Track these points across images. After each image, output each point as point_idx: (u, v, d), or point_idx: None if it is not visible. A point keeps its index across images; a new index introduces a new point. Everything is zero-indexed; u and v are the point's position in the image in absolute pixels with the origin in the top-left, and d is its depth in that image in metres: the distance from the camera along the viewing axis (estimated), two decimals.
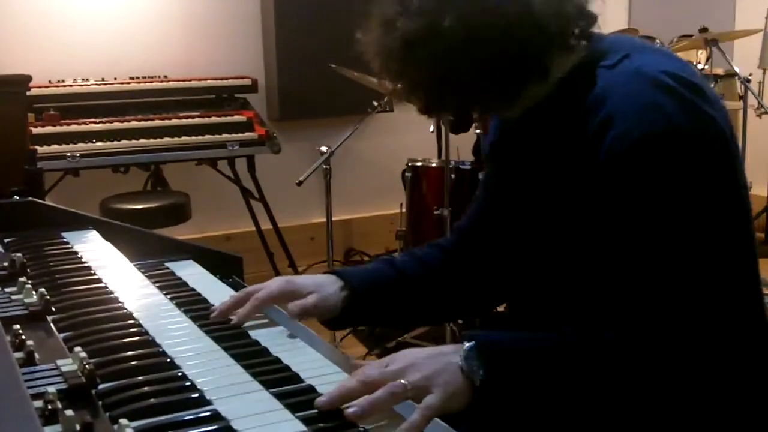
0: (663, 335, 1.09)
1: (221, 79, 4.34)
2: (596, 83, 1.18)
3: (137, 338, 1.22)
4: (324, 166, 3.42)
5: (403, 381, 1.02)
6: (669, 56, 1.22)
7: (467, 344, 1.07)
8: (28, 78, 3.39)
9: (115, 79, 4.17)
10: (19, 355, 1.11)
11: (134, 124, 3.97)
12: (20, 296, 1.36)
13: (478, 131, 3.44)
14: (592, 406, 1.11)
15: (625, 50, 1.20)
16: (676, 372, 1.09)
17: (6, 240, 1.75)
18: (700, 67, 4.22)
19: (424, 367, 1.04)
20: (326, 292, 1.37)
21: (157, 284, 1.52)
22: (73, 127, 3.85)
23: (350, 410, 0.98)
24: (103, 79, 4.14)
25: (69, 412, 0.91)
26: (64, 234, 1.81)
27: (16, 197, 1.91)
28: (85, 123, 3.89)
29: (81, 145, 3.79)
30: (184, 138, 3.99)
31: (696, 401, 1.12)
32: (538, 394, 1.09)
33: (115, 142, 3.87)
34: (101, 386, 1.04)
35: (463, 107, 1.29)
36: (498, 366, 1.06)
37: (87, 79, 4.10)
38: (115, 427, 0.92)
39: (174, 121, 4.04)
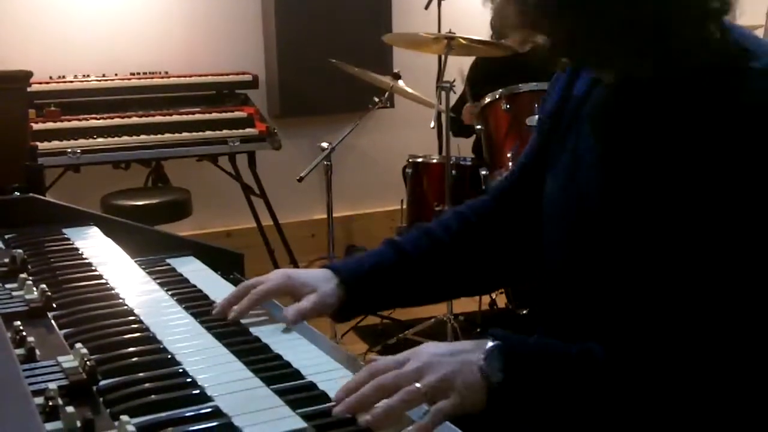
0: (710, 361, 1.04)
1: (222, 75, 4.34)
2: (747, 85, 1.07)
3: (138, 334, 1.22)
4: (325, 162, 3.42)
5: (418, 385, 1.00)
6: None
7: (491, 343, 1.05)
8: (29, 74, 3.38)
9: (116, 75, 4.16)
10: (20, 351, 1.11)
11: (135, 120, 3.97)
12: (21, 292, 1.36)
13: (478, 127, 3.43)
14: (607, 423, 1.07)
15: None
16: (709, 401, 1.05)
17: (7, 236, 1.75)
18: None
19: (442, 366, 1.02)
20: (324, 290, 1.36)
21: (158, 280, 1.52)
22: (74, 123, 3.86)
23: (364, 419, 0.97)
24: (103, 75, 4.13)
25: (70, 409, 0.91)
26: (64, 230, 1.81)
27: (17, 193, 1.91)
28: (85, 119, 3.89)
29: (82, 141, 3.79)
30: (184, 134, 3.99)
31: (730, 425, 1.07)
32: (554, 404, 1.06)
33: (116, 138, 3.87)
34: (102, 382, 1.04)
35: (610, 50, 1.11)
36: (518, 370, 1.04)
37: (88, 75, 4.10)
38: (116, 423, 0.92)
39: (175, 117, 4.04)
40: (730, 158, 1.05)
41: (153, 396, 1.00)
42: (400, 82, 3.68)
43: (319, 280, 1.38)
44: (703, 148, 1.07)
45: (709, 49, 1.09)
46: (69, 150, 3.72)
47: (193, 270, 1.63)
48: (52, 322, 1.27)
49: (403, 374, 1.02)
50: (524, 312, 3.47)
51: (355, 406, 0.99)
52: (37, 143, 3.64)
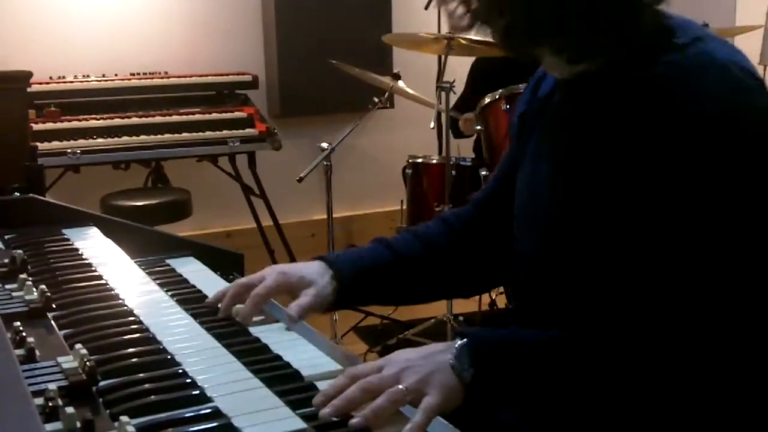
0: (676, 342, 1.06)
1: (222, 75, 4.34)
2: (662, 60, 1.12)
3: (138, 335, 1.22)
4: (325, 163, 3.42)
5: (401, 386, 1.02)
6: (736, 49, 1.17)
7: (458, 342, 1.08)
8: (29, 74, 3.38)
9: (116, 75, 4.16)
10: (20, 352, 1.11)
11: (135, 120, 3.97)
12: (21, 293, 1.36)
13: (478, 127, 3.43)
14: (582, 405, 1.09)
15: (696, 33, 1.15)
16: (687, 377, 1.07)
17: (6, 236, 1.75)
18: None
19: (418, 368, 1.05)
20: (321, 284, 1.36)
21: (158, 281, 1.52)
22: (74, 124, 3.85)
23: (354, 420, 0.97)
24: (103, 76, 4.13)
25: (70, 410, 0.91)
26: (64, 231, 1.81)
27: (17, 194, 1.91)
28: (85, 119, 3.89)
29: (81, 142, 3.79)
30: (184, 134, 3.99)
31: (696, 408, 1.10)
32: (527, 392, 1.09)
33: (116, 139, 3.86)
34: (102, 383, 1.04)
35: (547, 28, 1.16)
36: (486, 363, 1.06)
37: (88, 76, 4.10)
38: (116, 424, 0.92)
39: (175, 118, 4.04)
40: (664, 146, 1.08)
41: (153, 397, 1.00)
42: (400, 83, 3.68)
43: (314, 273, 1.38)
44: (638, 135, 1.11)
45: (641, 31, 1.15)
46: (69, 150, 3.72)
47: (193, 270, 1.63)
48: (52, 322, 1.27)
49: (384, 377, 1.04)
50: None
51: (342, 407, 0.99)
52: (37, 143, 3.64)
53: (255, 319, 1.34)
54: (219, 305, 1.36)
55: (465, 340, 1.07)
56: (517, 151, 1.41)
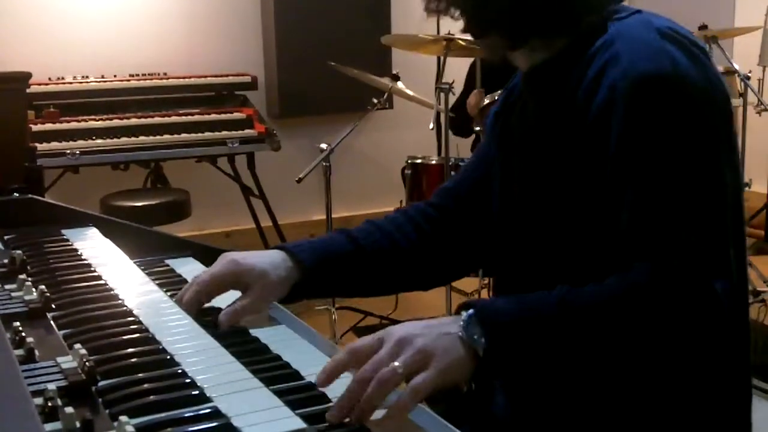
0: (661, 277, 1.08)
1: (221, 76, 4.34)
2: (604, 33, 1.18)
3: (137, 335, 1.22)
4: (324, 163, 3.42)
5: (395, 364, 0.98)
6: (676, 23, 1.20)
7: (465, 313, 1.05)
8: (28, 75, 3.39)
9: (115, 76, 4.17)
10: (19, 352, 1.11)
11: (134, 121, 3.97)
12: (20, 293, 1.36)
13: (477, 129, 3.44)
14: (595, 365, 1.09)
15: (637, 9, 1.21)
16: (677, 315, 1.08)
17: (6, 237, 1.75)
18: None
19: (418, 339, 1.00)
20: (271, 279, 1.31)
21: (157, 281, 1.52)
22: (73, 124, 3.86)
23: (349, 420, 0.96)
24: (102, 77, 4.14)
25: (69, 409, 0.91)
26: (63, 231, 1.81)
27: (16, 194, 1.90)
28: (84, 120, 3.90)
29: (81, 142, 3.79)
30: (183, 135, 3.99)
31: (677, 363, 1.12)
32: (540, 358, 1.07)
33: (115, 139, 3.87)
34: (101, 383, 1.03)
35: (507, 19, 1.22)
36: (500, 332, 1.03)
37: (87, 77, 4.11)
38: (115, 424, 0.92)
39: (174, 119, 4.05)
40: (590, 91, 1.15)
41: (152, 396, 1.00)
42: (399, 84, 3.68)
43: (268, 263, 1.33)
44: (575, 93, 1.17)
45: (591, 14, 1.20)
46: (68, 151, 3.72)
47: (193, 271, 1.63)
48: (52, 322, 1.27)
49: (380, 357, 1.00)
50: None
51: (347, 406, 0.98)
52: (36, 144, 3.65)
53: (255, 319, 1.34)
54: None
55: (471, 310, 1.04)
56: (488, 148, 1.44)
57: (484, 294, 3.79)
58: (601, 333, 1.08)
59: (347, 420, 0.96)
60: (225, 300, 1.35)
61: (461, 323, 1.04)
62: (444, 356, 1.00)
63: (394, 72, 3.77)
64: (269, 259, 1.33)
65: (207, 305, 1.37)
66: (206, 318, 1.32)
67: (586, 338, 1.07)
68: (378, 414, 0.97)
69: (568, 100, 1.19)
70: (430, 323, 1.05)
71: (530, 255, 1.30)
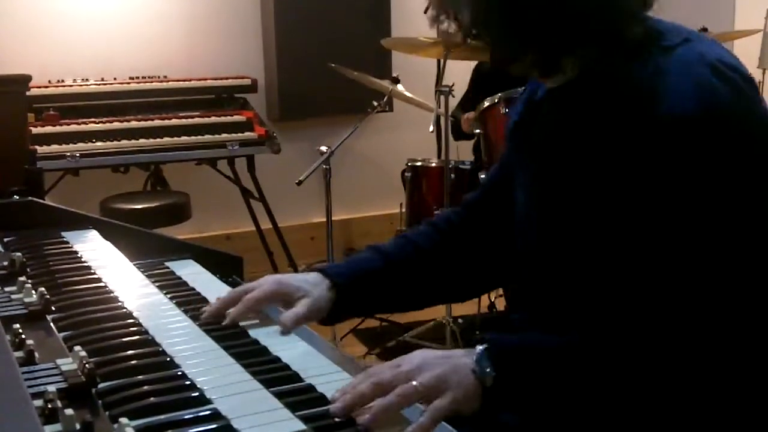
0: (680, 337, 1.07)
1: (221, 79, 4.34)
2: (650, 62, 1.13)
3: (137, 337, 1.22)
4: (324, 166, 3.42)
5: (414, 383, 1.01)
6: (726, 50, 1.17)
7: (479, 347, 1.07)
8: (28, 78, 3.38)
9: (115, 79, 4.17)
10: (19, 354, 1.11)
11: (134, 124, 3.97)
12: (20, 296, 1.36)
13: (477, 131, 3.43)
14: (602, 407, 1.10)
15: (685, 34, 1.16)
16: (690, 375, 1.08)
17: (6, 239, 1.75)
18: None
19: (436, 368, 1.04)
20: (316, 295, 1.36)
21: (157, 284, 1.52)
22: (73, 127, 3.86)
23: (363, 418, 0.97)
24: (102, 79, 4.14)
25: (69, 411, 0.91)
26: (63, 233, 1.81)
27: (16, 197, 1.91)
28: (84, 123, 3.90)
29: (81, 145, 3.79)
30: (183, 138, 3.99)
31: (707, 405, 1.11)
32: (547, 396, 1.09)
33: (115, 142, 3.87)
34: (101, 385, 1.04)
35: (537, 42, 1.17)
36: (508, 367, 1.06)
37: (87, 79, 4.11)
38: (115, 426, 0.92)
39: (174, 121, 4.05)
40: (634, 126, 1.11)
41: (152, 398, 1.00)
42: (399, 86, 3.68)
43: (310, 284, 1.38)
44: (621, 139, 1.13)
45: (627, 38, 1.15)
46: (68, 154, 3.72)
47: (192, 273, 1.63)
48: (51, 325, 1.27)
49: (399, 373, 1.04)
50: None
51: (352, 404, 0.99)
52: (36, 147, 3.64)
53: (254, 321, 1.34)
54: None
55: (485, 345, 1.07)
56: (509, 159, 1.43)
57: (484, 299, 3.78)
58: (604, 382, 1.09)
59: (365, 417, 0.97)
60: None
61: (474, 357, 1.06)
62: (458, 386, 1.03)
63: (394, 75, 3.77)
64: (309, 280, 1.39)
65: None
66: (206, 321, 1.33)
67: (592, 382, 1.09)
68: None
69: (604, 121, 1.16)
70: (446, 354, 1.09)
71: (546, 272, 1.29)
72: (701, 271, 1.07)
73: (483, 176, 3.35)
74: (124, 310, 1.35)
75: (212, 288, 1.53)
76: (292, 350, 1.22)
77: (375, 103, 3.61)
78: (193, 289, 1.51)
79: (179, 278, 1.59)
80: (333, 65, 3.78)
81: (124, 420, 0.91)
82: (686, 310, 1.07)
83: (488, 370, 1.05)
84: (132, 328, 1.26)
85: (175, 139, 3.97)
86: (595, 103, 1.17)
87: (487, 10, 1.15)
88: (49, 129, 3.80)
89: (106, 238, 1.78)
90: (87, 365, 1.04)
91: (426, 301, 1.56)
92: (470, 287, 1.58)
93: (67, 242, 1.75)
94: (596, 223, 1.16)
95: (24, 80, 3.35)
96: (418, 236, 1.49)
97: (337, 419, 0.98)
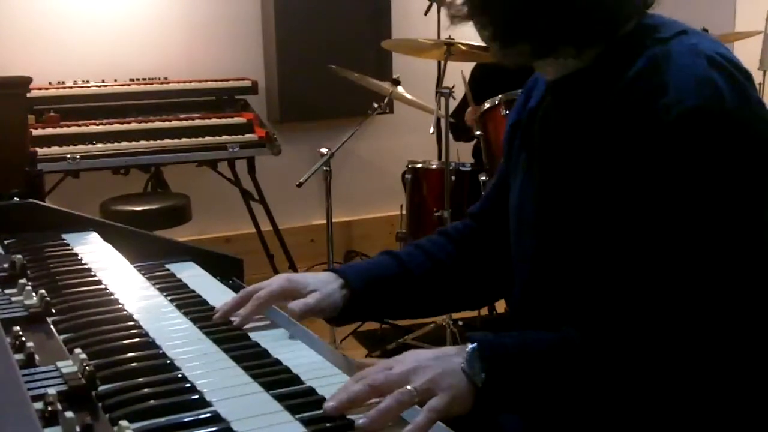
0: (675, 339, 1.07)
1: (221, 80, 4.34)
2: (646, 54, 1.13)
3: (137, 340, 1.22)
4: (324, 168, 3.42)
5: (409, 387, 1.01)
6: (721, 43, 1.17)
7: (470, 346, 1.07)
8: (29, 80, 3.39)
9: (115, 80, 4.17)
10: (19, 356, 1.11)
11: (134, 125, 3.97)
12: (20, 298, 1.36)
13: (478, 133, 3.43)
14: (594, 409, 1.10)
15: (680, 27, 1.16)
16: (684, 377, 1.08)
17: (6, 241, 1.75)
18: None
19: (428, 370, 1.04)
20: (327, 291, 1.36)
21: (158, 286, 1.52)
22: (74, 129, 3.86)
23: (360, 422, 0.97)
24: (103, 81, 4.14)
25: (69, 414, 0.91)
26: (64, 236, 1.81)
27: (16, 199, 1.91)
28: (85, 125, 3.90)
29: (81, 147, 3.79)
30: (184, 140, 3.99)
31: (701, 407, 1.11)
32: (539, 397, 1.09)
33: (116, 144, 3.87)
34: (101, 388, 1.03)
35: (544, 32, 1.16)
36: (499, 368, 1.06)
37: (87, 81, 4.11)
38: (115, 428, 0.92)
39: (174, 123, 4.05)
40: (631, 120, 1.10)
41: (152, 401, 1.00)
42: (400, 88, 3.68)
43: (322, 282, 1.38)
44: (611, 118, 1.13)
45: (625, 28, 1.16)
46: (68, 155, 3.72)
47: (193, 275, 1.64)
48: (52, 327, 1.27)
49: (394, 375, 1.03)
50: None
51: (346, 404, 0.99)
52: (37, 149, 3.65)
53: (256, 324, 1.34)
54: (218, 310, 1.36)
55: (475, 344, 1.07)
56: (508, 161, 1.42)
57: None
58: (597, 381, 1.09)
59: (364, 420, 0.97)
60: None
61: (465, 356, 1.06)
62: (450, 388, 1.03)
63: (394, 76, 3.77)
64: (321, 279, 1.39)
65: (205, 313, 1.37)
66: (207, 323, 1.33)
67: (584, 383, 1.09)
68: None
69: (601, 115, 1.15)
70: (437, 354, 1.08)
71: (545, 271, 1.29)
72: (702, 266, 1.06)
73: (483, 178, 3.35)
74: (125, 312, 1.35)
75: (212, 290, 1.53)
76: (292, 353, 1.22)
77: (375, 105, 3.61)
78: (194, 291, 1.52)
79: (179, 280, 1.59)
80: (333, 67, 3.78)
81: (124, 423, 0.91)
82: (684, 309, 1.07)
83: (479, 370, 1.04)
84: (132, 331, 1.26)
85: (176, 140, 3.97)
86: (595, 96, 1.17)
87: None
88: (49, 131, 3.80)
89: (107, 240, 1.78)
90: (87, 368, 1.04)
91: (438, 309, 1.57)
92: (483, 296, 1.60)
93: (68, 244, 1.75)
94: (596, 215, 1.16)
95: (24, 82, 3.36)
96: (433, 246, 1.50)
97: (335, 422, 0.98)
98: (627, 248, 1.12)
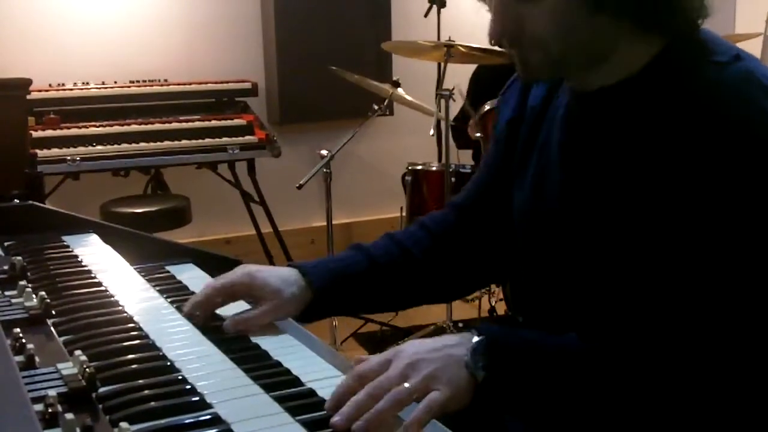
0: (707, 358, 1.05)
1: (222, 82, 4.34)
2: (703, 77, 1.11)
3: (137, 341, 1.22)
4: (324, 170, 3.42)
5: (407, 385, 1.00)
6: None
7: (476, 338, 1.05)
8: (29, 81, 3.39)
9: (116, 82, 4.17)
10: (20, 358, 1.11)
11: (134, 127, 3.97)
12: (20, 300, 1.36)
13: (478, 134, 3.44)
14: (599, 413, 1.08)
15: (735, 51, 1.14)
16: (702, 388, 1.06)
17: (6, 243, 1.75)
18: None
19: (427, 364, 1.02)
20: (285, 297, 1.33)
21: (158, 287, 1.52)
22: (74, 131, 3.86)
23: (357, 424, 0.96)
24: (103, 83, 4.14)
25: (69, 416, 0.91)
26: (64, 237, 1.81)
27: (17, 200, 1.91)
28: (85, 126, 3.90)
29: (81, 149, 3.79)
30: (184, 141, 3.99)
31: (716, 416, 1.08)
32: (541, 399, 1.07)
33: (116, 146, 3.87)
34: (101, 389, 1.03)
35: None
36: (502, 366, 1.04)
37: (87, 83, 4.11)
38: (116, 430, 0.92)
39: (174, 125, 4.05)
40: (692, 154, 1.07)
41: (152, 403, 1.00)
42: (400, 90, 3.68)
43: (282, 281, 1.34)
44: (665, 145, 1.10)
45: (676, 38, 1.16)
46: (68, 157, 3.72)
47: (193, 277, 1.63)
48: (52, 329, 1.27)
49: (391, 377, 1.02)
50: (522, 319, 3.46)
51: (352, 415, 0.98)
52: (37, 151, 3.65)
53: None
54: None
55: (482, 337, 1.05)
56: (504, 158, 1.40)
57: (485, 301, 3.78)
58: (599, 389, 1.08)
59: (359, 424, 0.96)
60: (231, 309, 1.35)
61: (470, 347, 1.04)
62: (449, 382, 1.01)
63: (394, 78, 3.77)
64: (283, 277, 1.35)
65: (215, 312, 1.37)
66: (211, 324, 1.33)
67: (586, 388, 1.07)
68: None
69: (650, 130, 1.13)
70: (436, 345, 1.06)
71: (560, 272, 1.27)
72: (744, 293, 1.05)
73: None
74: (125, 314, 1.34)
75: None
76: (292, 354, 1.22)
77: (375, 107, 3.62)
78: (194, 293, 1.51)
79: (180, 282, 1.58)
80: (333, 69, 3.78)
81: (124, 424, 0.91)
82: (708, 322, 1.05)
83: (480, 364, 1.03)
84: (132, 332, 1.26)
85: (176, 142, 3.98)
86: (655, 111, 1.13)
87: None
88: (49, 133, 3.80)
89: (107, 242, 1.78)
90: (87, 369, 1.04)
91: (409, 303, 1.53)
92: (458, 289, 1.57)
93: (68, 246, 1.75)
94: (633, 226, 1.13)
95: (25, 84, 3.36)
96: (408, 238, 1.46)
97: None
98: (666, 263, 1.10)
